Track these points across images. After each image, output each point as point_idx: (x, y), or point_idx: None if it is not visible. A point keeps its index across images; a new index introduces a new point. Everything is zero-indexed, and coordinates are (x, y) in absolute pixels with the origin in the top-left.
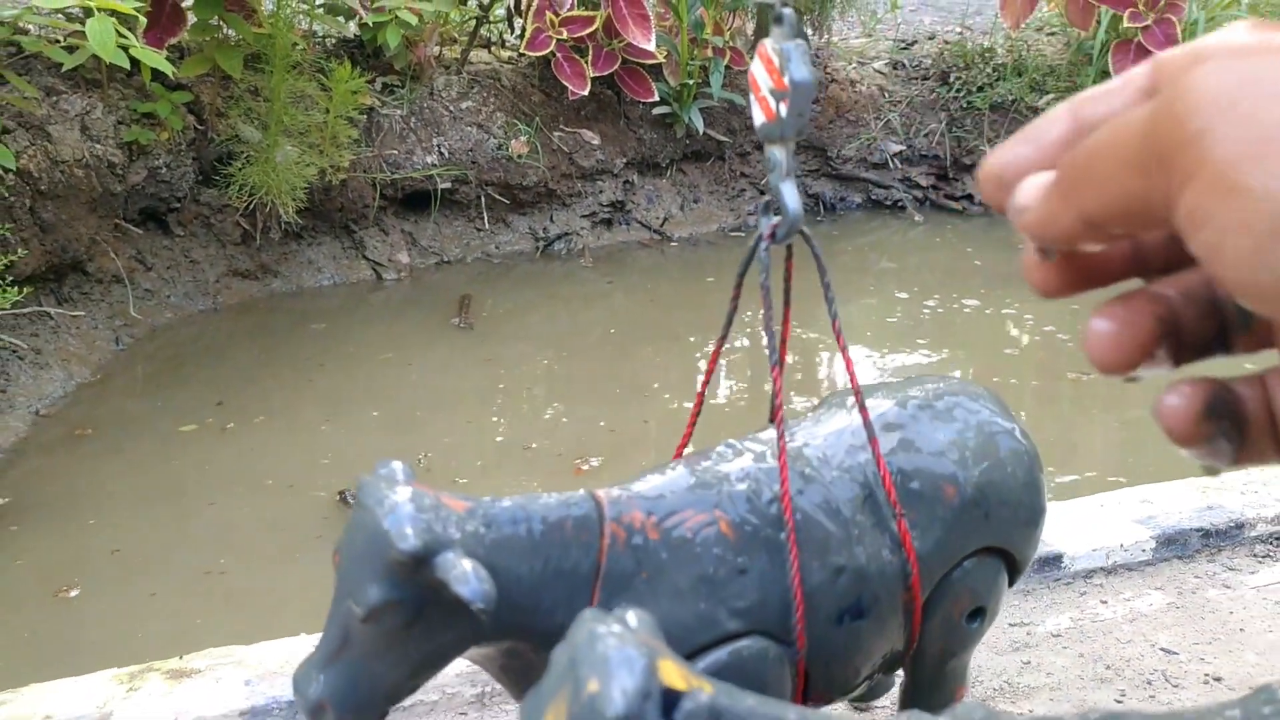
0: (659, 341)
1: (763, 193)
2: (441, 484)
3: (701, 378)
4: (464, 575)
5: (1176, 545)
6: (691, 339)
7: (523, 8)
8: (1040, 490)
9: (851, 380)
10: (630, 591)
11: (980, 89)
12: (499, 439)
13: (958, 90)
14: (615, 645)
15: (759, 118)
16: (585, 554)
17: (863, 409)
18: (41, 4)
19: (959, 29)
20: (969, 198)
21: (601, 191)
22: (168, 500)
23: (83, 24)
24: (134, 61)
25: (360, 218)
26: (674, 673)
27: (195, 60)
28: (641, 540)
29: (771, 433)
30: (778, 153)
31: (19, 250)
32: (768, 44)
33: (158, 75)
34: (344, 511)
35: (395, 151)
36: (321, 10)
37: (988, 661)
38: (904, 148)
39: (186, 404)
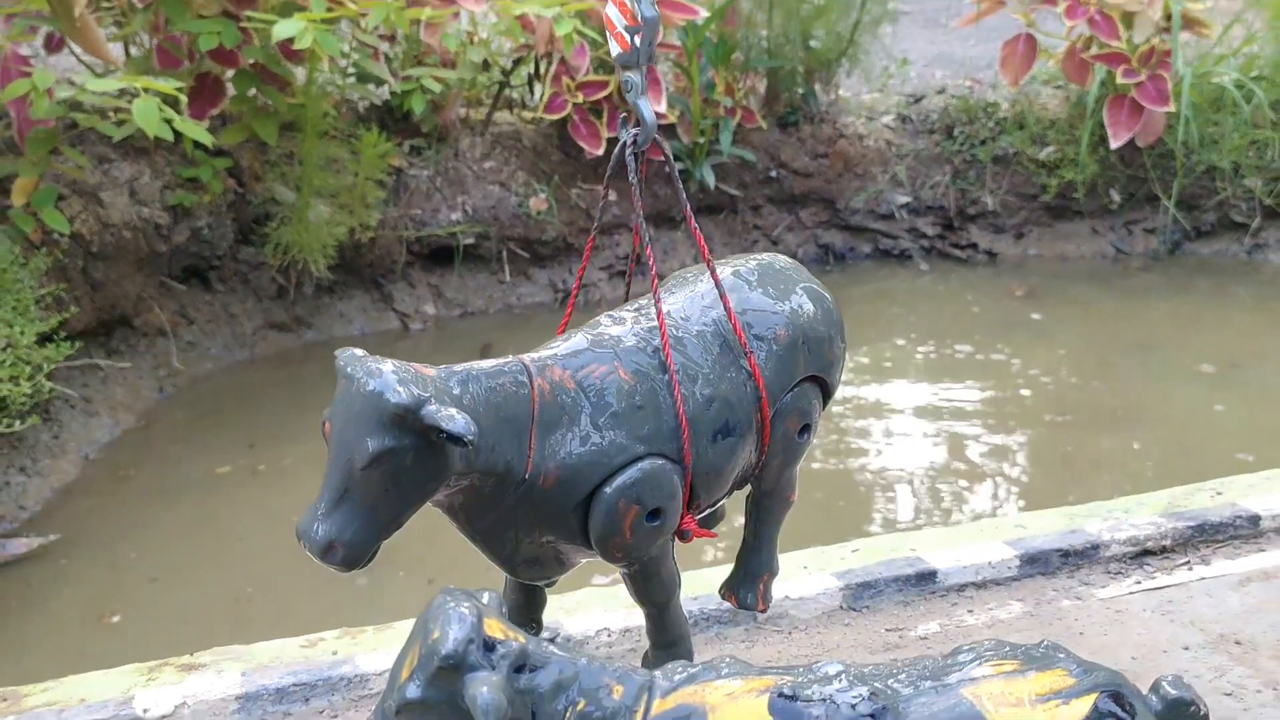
0: None
1: (775, 243)
2: None
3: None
4: (451, 416)
5: (1039, 563)
6: None
7: (542, 73)
8: (841, 330)
9: (703, 253)
10: (559, 430)
11: (983, 142)
12: None
13: (962, 143)
14: (453, 607)
15: (615, 49)
16: (523, 405)
17: (714, 273)
18: (93, 86)
19: (967, 83)
20: (973, 246)
21: (618, 245)
22: (203, 534)
23: (132, 98)
24: (178, 132)
25: (388, 272)
26: (496, 628)
27: (235, 129)
28: (562, 391)
29: (639, 303)
30: (634, 76)
31: (72, 308)
32: None
33: (199, 143)
34: None
35: (421, 210)
36: (353, 80)
37: (861, 659)
38: (910, 199)
39: (223, 448)
